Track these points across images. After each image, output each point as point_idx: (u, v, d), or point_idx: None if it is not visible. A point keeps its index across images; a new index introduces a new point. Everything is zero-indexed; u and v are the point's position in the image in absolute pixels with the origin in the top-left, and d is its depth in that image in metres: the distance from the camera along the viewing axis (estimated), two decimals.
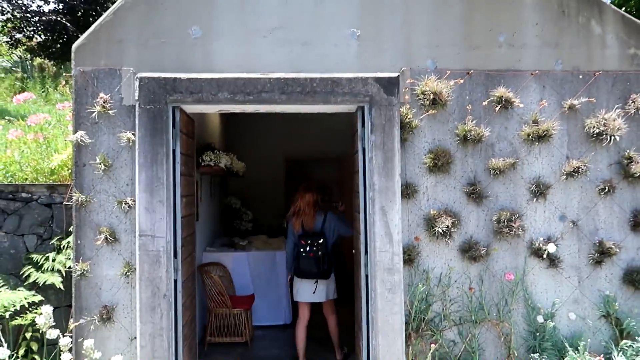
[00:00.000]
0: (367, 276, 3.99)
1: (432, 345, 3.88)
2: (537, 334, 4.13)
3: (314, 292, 4.84)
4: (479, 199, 4.16)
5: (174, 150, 3.93)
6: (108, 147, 4.02)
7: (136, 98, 3.86)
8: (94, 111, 3.97)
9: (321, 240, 4.77)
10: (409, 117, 4.11)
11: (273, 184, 9.36)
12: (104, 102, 3.96)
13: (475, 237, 4.18)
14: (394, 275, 3.91)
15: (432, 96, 4.07)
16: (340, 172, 9.34)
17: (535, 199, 4.22)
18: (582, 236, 4.26)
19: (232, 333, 5.74)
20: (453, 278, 4.15)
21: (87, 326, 3.96)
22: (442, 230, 4.01)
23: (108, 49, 4.05)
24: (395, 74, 4.01)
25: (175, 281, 3.91)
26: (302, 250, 4.75)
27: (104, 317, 3.93)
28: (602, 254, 4.21)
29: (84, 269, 3.95)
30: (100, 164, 3.96)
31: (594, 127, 4.19)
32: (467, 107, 4.20)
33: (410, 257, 4.08)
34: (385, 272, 3.90)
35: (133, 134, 3.95)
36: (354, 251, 4.63)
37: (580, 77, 4.28)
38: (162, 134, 3.85)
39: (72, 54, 4.05)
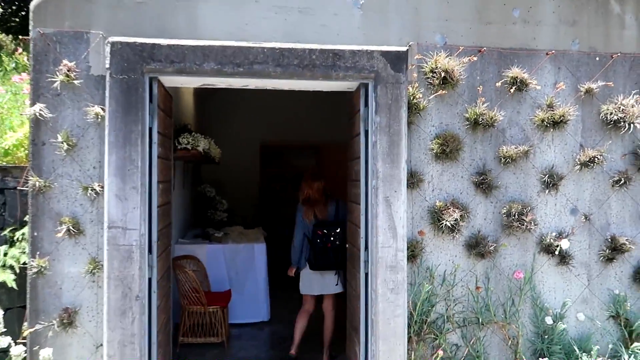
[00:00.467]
0: (366, 274, 3.57)
1: (440, 352, 3.50)
2: (545, 336, 3.81)
3: (333, 284, 4.52)
4: (488, 189, 3.79)
5: (150, 129, 3.39)
6: (72, 124, 3.44)
7: (107, 66, 3.29)
8: (56, 81, 3.38)
9: (338, 230, 4.39)
10: (416, 97, 3.68)
11: (248, 171, 8.83)
12: (68, 71, 3.37)
13: (483, 232, 3.82)
14: (397, 273, 3.49)
15: (442, 74, 3.65)
16: (319, 160, 8.89)
17: (547, 191, 3.88)
18: (593, 231, 3.95)
19: (207, 333, 5.24)
20: (458, 276, 3.78)
21: (44, 332, 3.39)
22: (450, 224, 3.62)
23: (74, 8, 3.44)
24: (403, 48, 3.57)
25: (150, 280, 3.38)
26: (318, 240, 4.38)
27: (64, 321, 3.37)
28: (613, 251, 3.92)
29: (42, 266, 3.37)
30: (62, 142, 3.38)
31: (611, 113, 3.87)
32: (478, 88, 3.81)
33: (413, 253, 3.68)
34: (388, 270, 3.49)
35: (102, 109, 3.38)
36: (347, 245, 4.19)
37: (597, 59, 3.95)
38: (137, 109, 3.30)
39: (31, 14, 3.43)
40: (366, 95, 3.59)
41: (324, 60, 3.46)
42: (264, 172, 8.92)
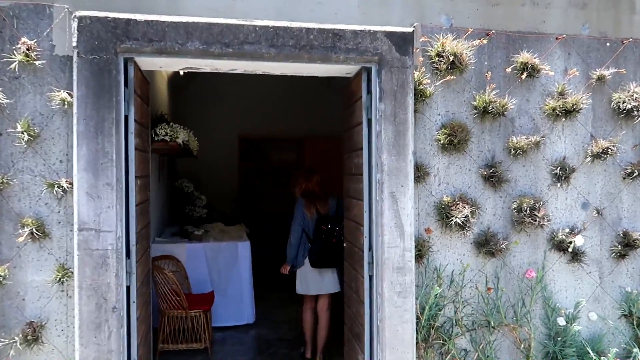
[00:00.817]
0: (371, 277, 3.19)
1: (449, 358, 3.16)
2: (558, 338, 3.52)
3: (331, 283, 4.32)
4: (498, 183, 3.46)
5: (126, 117, 2.92)
6: (34, 111, 2.94)
7: (74, 44, 2.80)
8: (14, 61, 2.87)
9: (342, 225, 4.09)
10: (422, 83, 3.32)
11: (226, 165, 8.35)
12: (28, 50, 2.87)
13: (492, 229, 3.49)
14: (405, 275, 3.13)
15: (450, 58, 3.29)
16: (301, 154, 8.47)
17: (559, 184, 3.58)
18: (604, 226, 3.68)
19: (188, 339, 4.78)
20: (467, 276, 3.44)
21: (5, 350, 2.90)
22: (460, 221, 3.27)
23: None
24: (409, 29, 3.19)
25: (128, 288, 2.92)
26: (324, 236, 4.17)
27: (29, 337, 2.89)
28: (626, 246, 3.66)
29: (1, 274, 2.87)
30: (22, 133, 2.88)
31: (623, 102, 3.59)
32: (486, 74, 3.47)
33: (419, 252, 3.33)
34: (395, 272, 3.12)
35: (69, 94, 2.90)
36: (344, 245, 3.81)
37: (608, 44, 3.66)
38: (111, 94, 2.83)
39: None
40: (369, 81, 3.20)
41: (322, 41, 3.05)
42: (243, 166, 8.46)
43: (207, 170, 8.09)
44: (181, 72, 6.44)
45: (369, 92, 3.20)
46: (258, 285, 5.72)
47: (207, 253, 5.36)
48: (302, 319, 4.52)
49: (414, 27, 3.33)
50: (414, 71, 3.24)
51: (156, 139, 4.16)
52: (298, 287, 4.39)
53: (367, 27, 3.11)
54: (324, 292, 4.37)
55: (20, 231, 2.89)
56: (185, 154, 5.60)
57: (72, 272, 2.89)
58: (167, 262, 5.13)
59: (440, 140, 3.39)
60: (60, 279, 2.92)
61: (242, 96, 8.27)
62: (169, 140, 4.20)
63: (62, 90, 2.91)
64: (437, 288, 3.22)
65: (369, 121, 3.20)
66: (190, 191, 6.34)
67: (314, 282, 4.31)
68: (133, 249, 2.95)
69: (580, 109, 3.53)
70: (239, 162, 8.37)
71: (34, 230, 2.87)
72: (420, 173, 3.34)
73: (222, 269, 5.36)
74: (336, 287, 4.35)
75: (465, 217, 3.27)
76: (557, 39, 3.58)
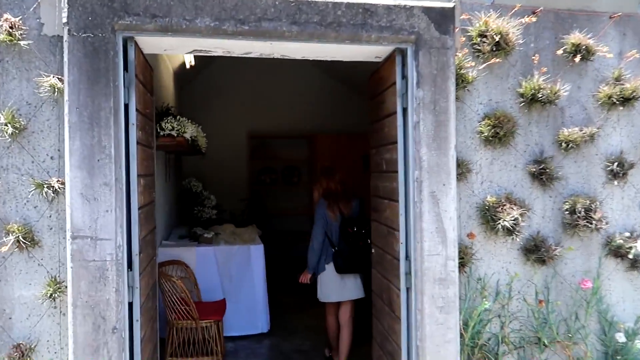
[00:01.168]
0: (408, 289, 2.74)
1: None
2: (618, 357, 3.05)
3: (355, 288, 3.94)
4: (548, 181, 3.00)
5: (126, 105, 2.48)
6: (20, 99, 2.50)
7: (64, 20, 2.36)
8: None
9: (368, 227, 3.72)
10: (464, 67, 2.86)
11: (235, 163, 7.90)
12: (11, 28, 2.43)
13: (542, 233, 3.03)
14: (447, 288, 2.68)
15: (495, 38, 2.83)
16: (312, 151, 8.02)
17: (615, 181, 3.11)
18: None
19: (199, 351, 4.34)
20: (514, 287, 2.99)
21: None
22: (509, 225, 2.81)
23: None
24: (449, 4, 2.73)
25: (131, 305, 2.48)
26: (351, 239, 3.80)
27: None
28: None
29: None
30: (6, 125, 2.44)
31: None
32: (533, 57, 3.01)
33: (462, 260, 2.87)
34: (437, 284, 2.67)
35: (60, 79, 2.46)
36: (373, 251, 3.36)
37: None
38: (108, 79, 2.38)
39: None
40: (403, 65, 2.75)
41: (352, 17, 2.59)
42: (252, 164, 8.01)
43: (214, 168, 7.66)
44: (188, 64, 6.02)
45: (404, 77, 2.74)
46: (269, 289, 5.27)
47: (218, 257, 4.91)
48: (327, 325, 4.18)
49: (454, 2, 2.86)
50: (455, 53, 2.78)
51: (162, 133, 3.72)
52: (320, 294, 4.02)
53: (402, 2, 2.65)
54: (347, 299, 3.98)
55: (4, 239, 2.45)
56: (193, 151, 5.16)
57: (66, 286, 2.45)
58: (175, 268, 4.69)
59: (483, 133, 2.93)
60: (51, 294, 2.48)
61: (251, 91, 7.82)
62: (175, 135, 3.77)
63: (52, 76, 2.47)
64: (485, 303, 2.77)
65: (404, 111, 2.74)
66: (198, 191, 5.90)
67: (337, 288, 3.91)
68: (136, 259, 2.50)
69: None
70: (249, 160, 7.92)
71: (20, 238, 2.43)
72: (461, 170, 2.88)
73: (234, 274, 4.92)
74: (360, 293, 3.96)
75: (514, 220, 2.81)
76: (610, 17, 3.12)
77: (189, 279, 4.71)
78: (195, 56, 5.81)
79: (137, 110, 2.53)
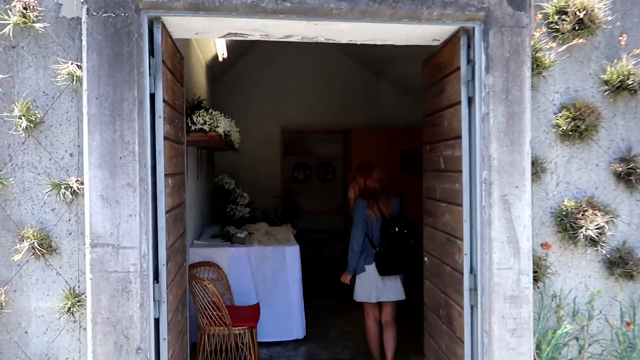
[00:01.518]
0: (472, 307, 2.34)
1: None
2: None
3: (395, 289, 3.71)
4: (637, 182, 2.54)
5: (152, 96, 2.15)
6: (36, 89, 2.21)
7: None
8: (8, 24, 2.14)
9: (410, 227, 3.61)
10: (540, 49, 2.43)
11: (268, 160, 7.57)
12: (25, 9, 2.13)
13: (629, 243, 2.58)
14: (520, 307, 2.27)
15: (579, 15, 2.39)
16: (348, 147, 7.63)
17: None
18: None
19: (232, 359, 4.05)
20: (596, 306, 2.54)
21: None
22: (594, 235, 2.37)
23: None
24: None
25: (157, 321, 2.17)
26: (393, 240, 3.55)
27: None
28: None
29: None
30: (20, 117, 2.15)
31: None
32: (620, 38, 2.54)
33: (535, 275, 2.44)
34: (507, 303, 2.26)
35: (79, 66, 2.15)
36: (425, 260, 2.96)
37: None
38: (132, 64, 2.06)
39: None
40: (469, 47, 2.33)
41: None
42: (286, 160, 7.67)
43: (247, 165, 7.36)
44: (220, 56, 5.72)
45: (470, 61, 2.33)
46: (305, 292, 4.93)
47: (251, 259, 4.59)
48: (367, 331, 3.86)
49: None
50: (531, 33, 2.35)
51: (193, 128, 3.41)
52: (357, 294, 3.75)
53: None
54: (387, 300, 3.73)
55: (19, 245, 2.17)
56: (225, 147, 4.84)
57: (86, 299, 2.15)
58: (207, 270, 4.40)
59: (560, 126, 2.49)
60: (70, 307, 2.18)
61: (284, 85, 7.47)
62: (208, 130, 3.45)
63: (71, 63, 2.16)
64: (566, 325, 2.34)
65: (470, 101, 2.33)
66: (231, 188, 5.60)
67: (377, 288, 3.67)
68: (163, 269, 2.18)
69: None
70: (282, 156, 7.58)
71: (36, 244, 2.14)
72: (534, 169, 2.45)
73: (268, 277, 4.59)
74: (400, 295, 3.74)
75: (599, 228, 2.37)
76: None
77: (221, 282, 4.41)
78: (227, 48, 5.50)
79: (164, 101, 2.20)
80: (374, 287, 3.68)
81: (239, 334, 3.98)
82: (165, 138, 2.21)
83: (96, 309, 2.05)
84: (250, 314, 4.14)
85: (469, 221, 2.33)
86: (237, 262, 4.54)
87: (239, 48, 6.50)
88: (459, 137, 2.36)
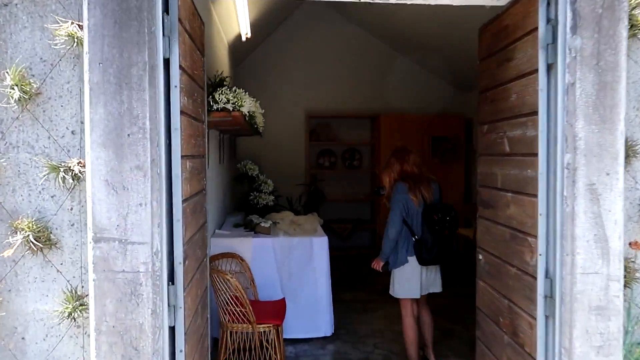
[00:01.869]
0: (547, 319, 1.92)
1: None
2: None
3: (436, 280, 3.50)
4: None
5: (167, 61, 1.77)
6: (32, 55, 1.84)
7: None
8: None
9: (453, 214, 3.39)
10: (638, 4, 1.96)
11: (292, 145, 7.18)
12: None
13: None
14: (608, 320, 1.84)
15: None
16: (375, 133, 7.19)
17: None
18: None
19: (255, 358, 3.71)
20: None
21: None
22: None
23: None
24: None
25: (173, 330, 1.80)
26: (437, 227, 3.32)
27: None
28: None
29: None
30: (12, 87, 1.79)
31: None
32: None
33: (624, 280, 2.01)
34: (593, 314, 1.83)
35: (80, 27, 1.77)
36: (480, 258, 2.54)
37: None
38: (142, 22, 1.67)
39: None
40: (548, 3, 1.88)
41: None
42: (311, 147, 7.26)
43: (270, 151, 7.00)
44: (244, 36, 5.33)
45: (549, 20, 1.88)
46: (333, 285, 4.55)
47: (276, 250, 4.23)
48: (405, 331, 3.52)
49: None
50: None
51: (215, 107, 3.04)
52: (398, 289, 3.47)
53: None
54: (431, 292, 3.51)
55: (12, 237, 1.82)
56: (250, 130, 4.46)
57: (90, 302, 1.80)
58: (230, 262, 4.05)
59: None
60: (71, 311, 1.83)
61: (310, 68, 7.05)
62: (231, 109, 3.07)
63: (70, 22, 1.78)
64: None
65: (549, 67, 1.88)
66: (255, 174, 5.23)
67: (420, 282, 3.40)
68: (179, 268, 1.81)
69: None
70: (307, 142, 7.17)
71: (32, 236, 1.79)
72: (625, 154, 2.00)
73: (294, 270, 4.22)
74: (439, 287, 3.54)
75: None
76: None
77: (244, 274, 4.06)
78: (251, 27, 5.10)
79: (181, 68, 1.81)
80: (418, 280, 3.40)
81: (265, 332, 3.63)
82: (182, 113, 1.83)
83: (100, 315, 1.70)
84: (275, 310, 3.79)
85: (545, 215, 1.90)
86: (261, 253, 4.18)
87: (263, 29, 6.09)
88: (534, 113, 1.92)
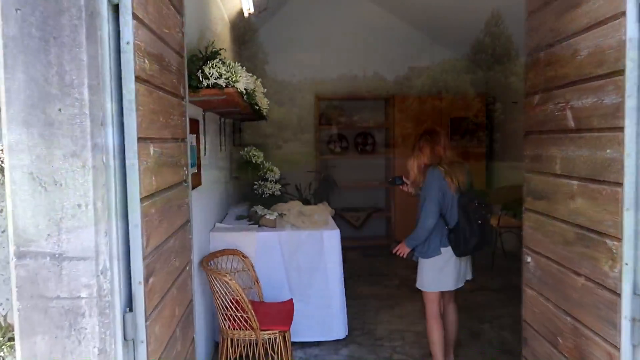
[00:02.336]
0: (635, 348, 1.40)
1: None
2: None
3: (463, 271, 3.14)
4: None
5: (115, 7, 1.26)
6: None
7: None
8: None
9: (488, 200, 3.23)
10: None
11: (301, 129, 6.67)
12: None
13: None
14: None
15: None
16: (389, 116, 6.63)
17: None
18: None
19: None
20: None
21: None
22: None
23: None
24: None
25: None
26: (477, 216, 2.96)
27: None
28: None
29: None
30: None
31: None
32: None
33: None
34: None
35: None
36: (528, 260, 2.02)
37: None
38: None
39: None
40: None
41: None
42: (322, 131, 6.72)
43: (278, 137, 6.53)
44: (246, 11, 4.79)
45: None
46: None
47: (283, 245, 3.75)
48: (430, 329, 3.12)
49: None
50: None
51: (205, 83, 2.53)
52: (429, 281, 3.08)
53: None
54: (463, 283, 3.17)
55: None
56: (251, 113, 3.95)
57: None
58: (231, 259, 3.59)
59: None
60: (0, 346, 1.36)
61: (319, 48, 6.50)
62: (223, 86, 2.56)
63: None
64: None
65: None
66: (259, 162, 4.74)
67: (456, 274, 3.06)
68: (139, 289, 1.32)
69: None
70: (317, 126, 6.63)
71: None
72: None
73: (303, 267, 3.74)
74: (471, 273, 3.23)
75: None
76: None
77: (247, 273, 3.60)
78: (254, 3, 4.58)
79: (137, 18, 1.30)
80: (451, 272, 3.05)
81: (270, 339, 3.17)
82: (139, 79, 1.32)
83: (30, 358, 1.22)
84: (282, 314, 3.32)
85: (634, 210, 1.37)
86: (265, 248, 3.71)
87: (267, 4, 5.54)
88: (617, 72, 1.38)
